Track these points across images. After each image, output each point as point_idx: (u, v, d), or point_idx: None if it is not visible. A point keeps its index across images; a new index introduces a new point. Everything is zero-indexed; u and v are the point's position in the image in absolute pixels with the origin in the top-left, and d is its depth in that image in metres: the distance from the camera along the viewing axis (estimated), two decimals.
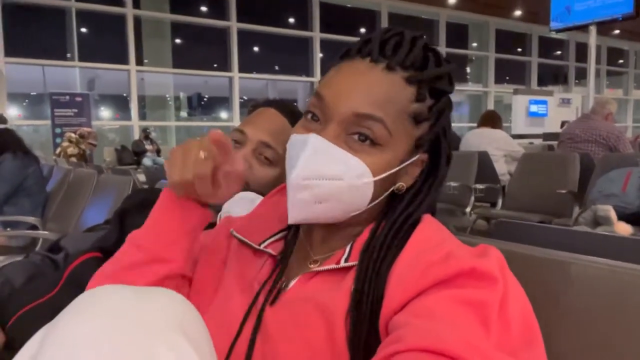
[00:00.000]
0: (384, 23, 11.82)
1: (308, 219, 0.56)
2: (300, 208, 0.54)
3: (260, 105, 0.98)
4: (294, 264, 0.61)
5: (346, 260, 0.55)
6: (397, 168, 0.56)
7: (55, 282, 0.87)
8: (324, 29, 11.15)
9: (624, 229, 1.82)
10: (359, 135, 0.54)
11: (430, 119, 0.57)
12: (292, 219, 0.55)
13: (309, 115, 0.57)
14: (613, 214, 1.83)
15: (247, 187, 0.90)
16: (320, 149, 0.53)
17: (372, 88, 0.54)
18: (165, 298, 0.39)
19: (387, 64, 0.55)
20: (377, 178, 0.54)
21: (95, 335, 0.34)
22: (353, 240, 0.57)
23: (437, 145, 0.58)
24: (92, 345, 0.33)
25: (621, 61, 16.53)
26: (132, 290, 0.39)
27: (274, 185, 0.92)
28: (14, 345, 0.73)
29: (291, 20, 11.54)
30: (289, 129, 0.93)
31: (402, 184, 0.58)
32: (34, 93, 10.57)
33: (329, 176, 0.53)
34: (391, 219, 0.57)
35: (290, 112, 0.96)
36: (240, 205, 0.70)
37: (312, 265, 0.58)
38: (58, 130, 8.28)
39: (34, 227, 2.53)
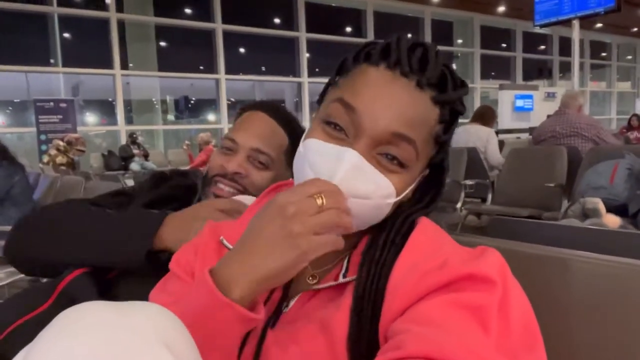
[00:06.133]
0: (370, 22, 11.85)
1: None
2: None
3: (248, 109, 0.98)
4: (291, 280, 0.59)
5: (344, 276, 0.54)
6: (412, 187, 0.56)
7: (46, 295, 0.85)
8: (310, 28, 11.15)
9: (612, 220, 1.84)
10: (387, 155, 0.53)
11: (446, 138, 0.57)
12: None
13: (332, 125, 0.54)
14: (601, 206, 1.85)
15: (245, 193, 0.91)
16: (357, 166, 0.51)
17: (408, 108, 0.53)
18: (149, 312, 0.38)
19: (417, 81, 0.53)
20: (398, 199, 0.54)
21: (77, 351, 0.32)
22: (349, 253, 0.57)
23: (441, 160, 0.59)
24: None
25: (604, 54, 16.76)
26: (115, 306, 0.38)
27: None
28: None
29: (277, 20, 11.51)
30: (279, 131, 0.94)
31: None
32: (17, 100, 10.41)
33: (360, 195, 0.51)
34: (392, 227, 0.55)
35: (279, 113, 0.96)
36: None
37: (310, 280, 0.57)
38: (43, 137, 8.18)
39: None
